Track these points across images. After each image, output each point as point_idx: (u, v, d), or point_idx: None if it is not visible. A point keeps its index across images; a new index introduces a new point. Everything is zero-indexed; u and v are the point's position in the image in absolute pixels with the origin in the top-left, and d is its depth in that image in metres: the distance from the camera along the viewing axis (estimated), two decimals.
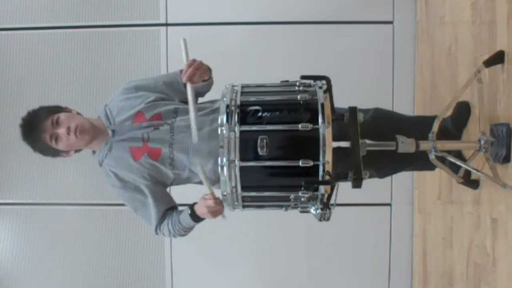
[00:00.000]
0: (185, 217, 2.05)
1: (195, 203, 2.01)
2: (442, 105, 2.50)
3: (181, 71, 1.92)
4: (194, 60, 1.92)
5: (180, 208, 2.16)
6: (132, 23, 3.50)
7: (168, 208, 2.14)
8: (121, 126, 2.09)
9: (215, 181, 2.04)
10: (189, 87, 1.88)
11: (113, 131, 2.09)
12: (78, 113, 2.16)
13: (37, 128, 2.02)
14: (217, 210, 1.94)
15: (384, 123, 2.29)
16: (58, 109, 2.10)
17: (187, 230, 2.12)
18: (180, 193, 2.30)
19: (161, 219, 2.12)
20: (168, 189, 2.20)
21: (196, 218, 2.02)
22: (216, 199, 1.91)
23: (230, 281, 3.58)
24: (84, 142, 2.07)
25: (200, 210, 1.98)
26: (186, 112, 2.08)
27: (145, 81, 2.19)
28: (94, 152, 2.16)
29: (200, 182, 2.14)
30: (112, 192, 2.16)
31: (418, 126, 2.23)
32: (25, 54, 3.55)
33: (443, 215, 2.81)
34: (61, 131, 2.01)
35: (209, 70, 2.06)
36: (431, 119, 2.03)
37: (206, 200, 1.93)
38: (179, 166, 2.06)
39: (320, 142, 1.62)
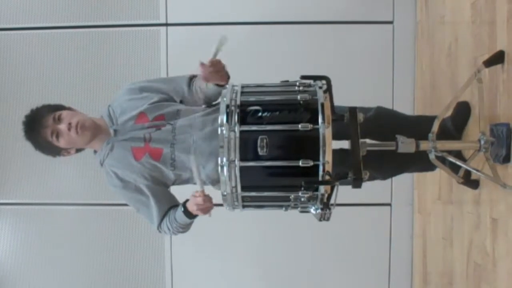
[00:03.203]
0: (179, 214, 2.05)
1: (187, 200, 2.01)
2: (442, 105, 2.50)
3: (202, 64, 1.89)
4: (219, 61, 1.90)
5: None
6: (132, 23, 3.50)
7: (171, 207, 2.14)
8: (124, 126, 2.09)
9: (216, 181, 2.04)
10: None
11: (115, 131, 2.09)
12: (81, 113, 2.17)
13: (38, 123, 2.02)
14: (206, 207, 1.93)
15: (386, 121, 2.30)
16: (61, 107, 2.11)
17: (184, 227, 2.11)
18: (181, 192, 2.29)
19: (163, 217, 2.13)
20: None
21: (189, 215, 2.02)
22: (205, 196, 1.91)
23: (230, 281, 3.57)
24: (85, 139, 2.07)
25: (190, 207, 1.98)
26: (189, 113, 2.09)
27: (150, 82, 2.20)
28: (95, 151, 2.16)
29: None
30: (113, 192, 2.16)
31: (418, 126, 2.23)
32: (25, 54, 3.54)
33: (443, 215, 2.81)
34: (62, 127, 2.02)
35: (227, 77, 2.03)
36: (431, 119, 2.03)
37: (195, 197, 1.93)
38: (180, 166, 2.06)
39: (320, 142, 1.62)
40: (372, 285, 3.51)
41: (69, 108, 2.14)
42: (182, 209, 2.02)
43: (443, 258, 2.80)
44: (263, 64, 3.41)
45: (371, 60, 3.43)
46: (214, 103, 2.21)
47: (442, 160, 2.00)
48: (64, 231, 3.58)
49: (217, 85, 2.03)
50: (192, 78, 2.17)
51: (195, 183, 2.14)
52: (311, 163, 1.61)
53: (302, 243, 3.49)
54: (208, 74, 1.89)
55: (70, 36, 3.52)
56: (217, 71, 1.90)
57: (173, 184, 2.17)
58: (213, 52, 1.87)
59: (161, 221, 2.13)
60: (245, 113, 1.68)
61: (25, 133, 2.07)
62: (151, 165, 2.06)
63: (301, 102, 1.69)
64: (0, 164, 3.56)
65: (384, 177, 2.41)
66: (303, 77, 1.76)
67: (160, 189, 2.13)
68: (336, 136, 1.66)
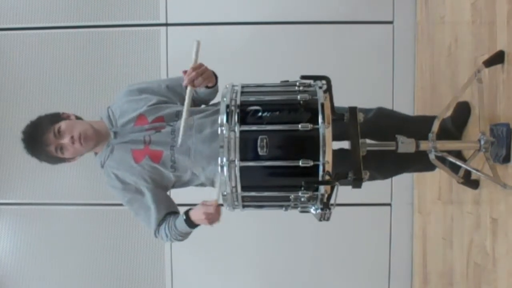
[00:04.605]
0: (180, 222, 2.03)
1: (190, 209, 1.99)
2: (442, 105, 2.50)
3: (184, 72, 1.89)
4: (200, 65, 1.90)
5: (180, 209, 2.15)
6: (132, 23, 3.50)
7: (169, 212, 2.12)
8: (123, 128, 2.09)
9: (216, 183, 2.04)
10: (188, 90, 1.87)
11: (115, 133, 2.09)
12: (77, 117, 2.14)
13: (40, 142, 2.00)
14: (215, 217, 1.92)
15: (386, 122, 2.30)
16: (57, 118, 2.07)
17: (183, 235, 2.09)
18: (181, 194, 2.30)
19: (161, 222, 2.11)
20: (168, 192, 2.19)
21: (191, 224, 1.99)
22: (217, 207, 1.88)
23: (229, 281, 3.58)
24: (89, 147, 2.07)
25: (197, 215, 1.95)
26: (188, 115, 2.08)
27: (149, 84, 2.20)
28: (96, 153, 2.16)
29: (201, 185, 2.14)
30: (113, 193, 2.16)
31: (418, 126, 2.23)
32: (25, 54, 3.54)
33: (443, 215, 2.81)
34: (65, 141, 2.00)
35: (214, 77, 2.03)
36: (431, 119, 2.03)
37: (207, 206, 1.90)
38: (180, 168, 2.06)
39: (320, 142, 1.62)
40: (372, 285, 3.51)
41: (64, 115, 2.10)
42: (184, 217, 2.00)
43: (443, 258, 2.80)
44: (263, 64, 3.41)
45: (371, 60, 3.43)
46: (212, 103, 2.21)
47: (442, 160, 2.00)
48: (64, 231, 3.58)
49: (207, 86, 2.03)
50: None
51: (196, 185, 2.15)
52: (311, 163, 1.61)
53: (302, 243, 3.49)
54: (192, 79, 1.87)
55: (70, 36, 3.52)
56: (201, 74, 1.88)
57: (173, 187, 2.17)
58: (193, 58, 1.87)
59: (158, 226, 2.11)
60: (245, 113, 1.68)
61: (28, 151, 2.04)
62: (151, 167, 2.06)
63: (301, 102, 1.69)
64: (0, 164, 3.57)
65: (384, 177, 2.41)
66: (303, 77, 1.75)
67: (160, 193, 2.12)
68: (336, 138, 1.66)
